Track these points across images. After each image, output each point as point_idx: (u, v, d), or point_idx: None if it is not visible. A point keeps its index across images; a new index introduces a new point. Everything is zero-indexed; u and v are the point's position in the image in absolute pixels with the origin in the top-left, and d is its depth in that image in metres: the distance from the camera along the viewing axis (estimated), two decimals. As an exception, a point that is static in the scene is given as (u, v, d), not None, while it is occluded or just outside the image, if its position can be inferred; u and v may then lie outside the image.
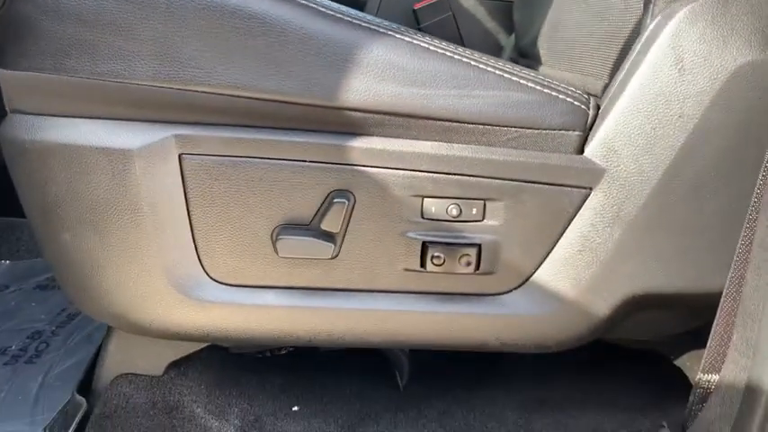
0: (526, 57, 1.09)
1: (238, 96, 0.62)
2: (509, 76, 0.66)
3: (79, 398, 0.75)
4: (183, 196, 0.65)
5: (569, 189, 0.66)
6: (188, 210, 0.66)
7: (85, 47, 0.61)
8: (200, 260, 0.67)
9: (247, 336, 0.70)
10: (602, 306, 0.69)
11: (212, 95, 0.62)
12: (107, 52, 0.61)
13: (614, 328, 0.72)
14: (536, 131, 0.66)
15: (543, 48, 0.98)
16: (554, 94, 0.66)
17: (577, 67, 0.84)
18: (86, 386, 0.80)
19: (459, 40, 1.27)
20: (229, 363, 0.85)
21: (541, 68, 0.97)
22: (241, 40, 0.61)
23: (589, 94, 0.69)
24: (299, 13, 0.63)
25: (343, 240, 0.67)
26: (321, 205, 0.66)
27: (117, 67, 0.61)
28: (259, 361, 0.86)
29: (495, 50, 1.30)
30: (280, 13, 0.62)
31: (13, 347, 0.92)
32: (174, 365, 0.81)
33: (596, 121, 0.66)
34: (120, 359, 0.79)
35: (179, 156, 0.64)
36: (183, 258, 0.67)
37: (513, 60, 1.17)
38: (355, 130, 0.65)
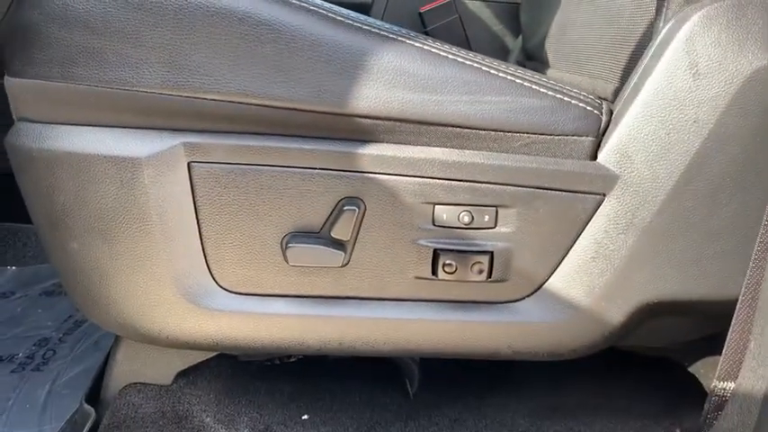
0: (533, 59, 1.09)
1: (247, 104, 0.62)
2: (520, 82, 0.65)
3: (87, 407, 0.74)
4: (192, 204, 0.64)
5: (582, 195, 0.65)
6: (197, 218, 0.65)
7: (93, 54, 0.60)
8: (209, 269, 0.67)
9: (257, 345, 0.69)
10: (616, 313, 0.68)
11: (221, 103, 0.62)
12: (115, 60, 0.60)
13: (628, 335, 0.71)
14: (548, 137, 0.65)
15: (551, 50, 0.97)
16: (566, 99, 0.65)
17: (586, 70, 0.84)
18: (95, 395, 0.79)
19: (466, 43, 1.27)
20: (238, 371, 0.84)
21: (549, 71, 0.97)
22: (250, 47, 0.61)
23: (600, 99, 0.68)
24: (308, 20, 0.62)
25: (353, 248, 0.67)
26: (331, 213, 0.66)
27: (125, 74, 0.60)
28: (268, 369, 0.86)
29: (502, 53, 1.29)
30: (289, 20, 0.61)
31: (20, 355, 0.91)
32: (183, 374, 0.81)
33: (609, 127, 0.66)
34: (128, 368, 0.78)
35: (188, 164, 0.63)
36: (192, 267, 0.66)
37: (520, 63, 1.16)
38: (365, 136, 0.64)
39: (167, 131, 0.63)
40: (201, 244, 0.66)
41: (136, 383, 0.79)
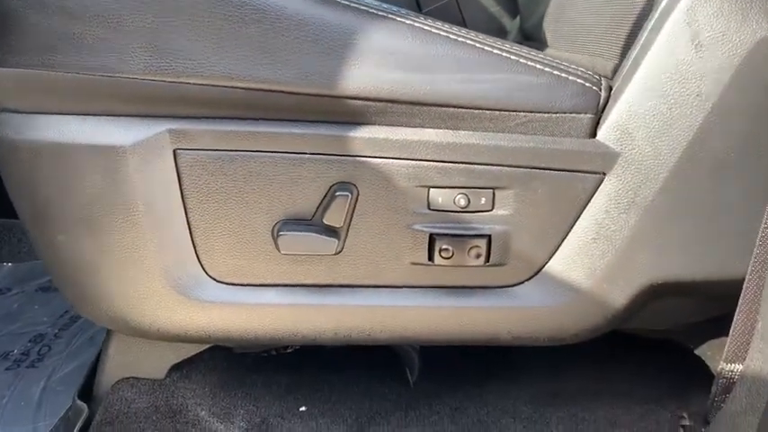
0: (531, 39, 1.07)
1: (233, 87, 0.60)
2: (516, 58, 0.63)
3: (80, 404, 0.74)
4: (180, 193, 0.63)
5: (582, 175, 0.64)
6: (185, 207, 0.63)
7: (73, 40, 0.58)
8: (199, 259, 0.65)
9: (250, 336, 0.68)
10: (619, 296, 0.67)
11: (206, 87, 0.60)
12: (95, 45, 0.59)
13: (631, 317, 0.70)
14: (546, 115, 0.63)
15: (549, 30, 0.95)
16: (563, 75, 0.63)
17: (586, 48, 0.82)
18: (88, 390, 0.78)
19: (463, 25, 1.24)
20: (233, 363, 0.83)
21: (547, 51, 0.95)
22: (234, 29, 0.59)
23: (600, 75, 0.67)
24: (293, -2, 0.60)
25: (346, 235, 0.65)
26: (323, 199, 0.64)
27: (106, 60, 0.59)
28: (264, 361, 0.84)
29: (499, 35, 1.27)
30: (273, -1, 0.59)
31: (16, 351, 0.91)
32: (177, 368, 0.79)
33: (609, 103, 0.64)
34: (120, 363, 0.77)
35: (173, 151, 0.62)
36: (181, 258, 0.65)
37: (518, 44, 1.14)
38: (356, 119, 0.62)
39: (152, 118, 0.61)
40: (190, 234, 0.64)
41: (129, 378, 0.77)
